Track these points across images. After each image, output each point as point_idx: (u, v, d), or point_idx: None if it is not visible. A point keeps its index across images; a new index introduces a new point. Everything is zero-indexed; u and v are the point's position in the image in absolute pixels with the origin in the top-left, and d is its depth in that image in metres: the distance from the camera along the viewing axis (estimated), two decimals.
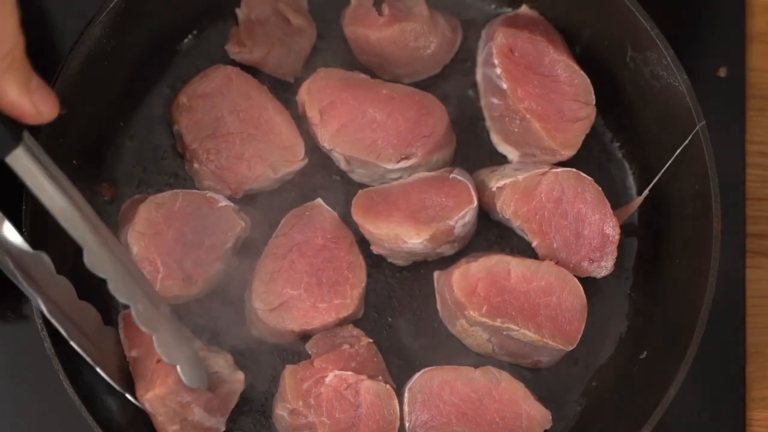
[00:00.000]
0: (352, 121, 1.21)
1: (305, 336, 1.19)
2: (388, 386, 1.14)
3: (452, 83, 1.29)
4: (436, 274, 1.22)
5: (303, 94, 1.22)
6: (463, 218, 1.18)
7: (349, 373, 1.13)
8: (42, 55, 0.92)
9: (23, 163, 0.92)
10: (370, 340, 1.17)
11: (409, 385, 1.16)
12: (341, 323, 1.19)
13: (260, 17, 1.26)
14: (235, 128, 1.22)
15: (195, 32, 1.28)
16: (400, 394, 1.16)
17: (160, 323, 1.05)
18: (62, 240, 1.17)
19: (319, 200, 1.21)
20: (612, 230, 1.18)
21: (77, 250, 1.19)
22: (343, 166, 1.23)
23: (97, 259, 1.00)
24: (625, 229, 1.22)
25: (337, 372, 1.13)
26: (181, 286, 1.17)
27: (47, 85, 0.91)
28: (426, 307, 1.24)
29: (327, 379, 1.13)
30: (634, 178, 1.28)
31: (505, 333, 1.16)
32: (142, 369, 1.12)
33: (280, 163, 1.22)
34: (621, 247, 1.20)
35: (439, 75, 1.29)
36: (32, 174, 0.93)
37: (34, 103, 0.89)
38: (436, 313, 1.23)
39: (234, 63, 1.25)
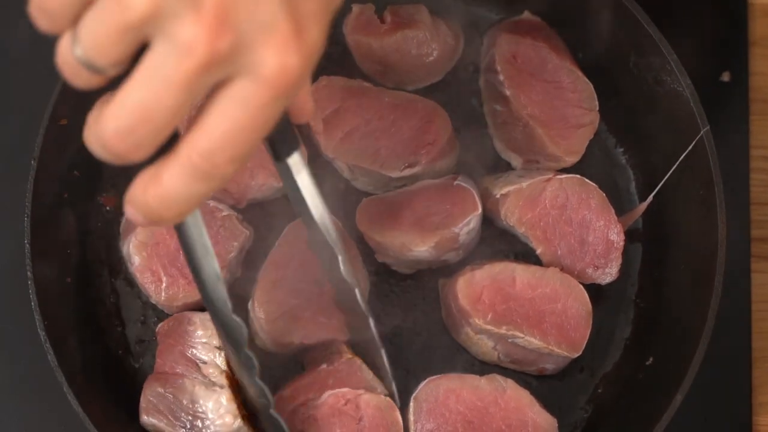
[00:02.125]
0: (356, 130, 1.20)
1: (307, 348, 1.19)
2: (388, 398, 1.14)
3: (455, 90, 1.28)
4: (440, 282, 1.22)
5: None
6: (468, 225, 1.17)
7: (345, 389, 1.13)
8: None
9: (299, 166, 0.92)
10: (350, 356, 1.16)
11: (414, 394, 1.15)
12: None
13: None
14: None
15: None
16: (405, 404, 1.16)
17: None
18: (64, 249, 1.18)
19: None
20: (616, 236, 1.18)
21: (79, 261, 1.20)
22: (346, 174, 1.23)
23: (348, 268, 1.03)
24: (630, 235, 1.22)
25: (331, 391, 1.12)
26: (186, 292, 1.17)
27: None
28: (430, 316, 1.23)
29: (320, 400, 1.12)
30: (638, 184, 1.27)
31: (510, 340, 1.16)
32: None
33: None
34: (626, 253, 1.20)
35: (442, 82, 1.28)
36: (304, 179, 0.94)
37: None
38: (441, 321, 1.23)
39: None
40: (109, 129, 0.64)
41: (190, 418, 1.10)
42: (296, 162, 0.92)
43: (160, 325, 1.16)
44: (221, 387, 1.10)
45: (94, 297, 1.21)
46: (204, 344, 1.13)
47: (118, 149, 0.65)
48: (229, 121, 0.65)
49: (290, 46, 0.64)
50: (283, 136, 0.88)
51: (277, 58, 0.64)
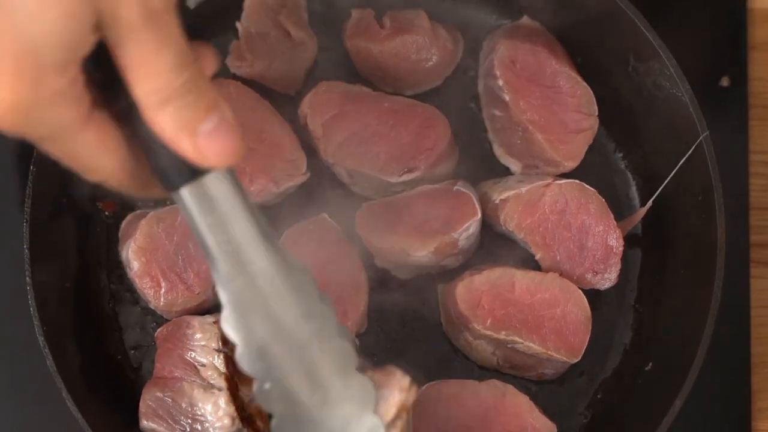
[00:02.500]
0: (355, 135, 1.20)
1: None
2: None
3: (454, 95, 1.28)
4: (439, 287, 1.22)
5: (305, 108, 1.21)
6: (467, 230, 1.17)
7: None
8: None
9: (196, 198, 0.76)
10: None
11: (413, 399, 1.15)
12: None
13: (261, 31, 1.25)
14: None
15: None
16: None
17: None
18: (63, 254, 1.18)
19: (324, 215, 1.20)
20: (615, 242, 1.18)
21: (78, 266, 1.20)
22: (345, 179, 1.23)
23: None
24: (629, 240, 1.22)
25: None
26: (185, 297, 1.17)
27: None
28: (429, 321, 1.23)
29: None
30: (637, 189, 1.27)
31: (509, 346, 1.16)
32: None
33: (282, 177, 1.21)
34: (625, 258, 1.20)
35: (441, 87, 1.28)
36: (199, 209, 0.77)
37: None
38: (440, 326, 1.23)
39: (235, 77, 1.25)
40: None
41: (189, 421, 1.10)
42: (190, 194, 0.76)
43: (159, 330, 1.16)
44: (219, 389, 1.10)
45: (93, 302, 1.21)
46: (203, 347, 1.13)
47: None
48: None
49: None
50: (169, 166, 0.75)
51: None
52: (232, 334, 0.81)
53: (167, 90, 0.68)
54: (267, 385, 0.83)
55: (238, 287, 0.80)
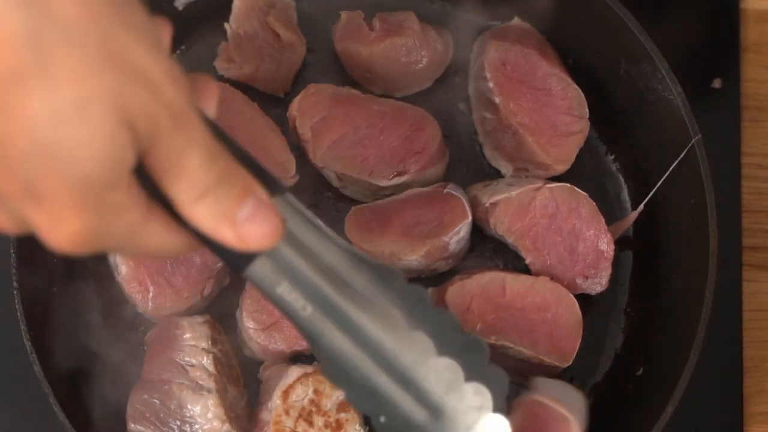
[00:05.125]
0: (344, 138, 1.20)
1: (297, 356, 1.18)
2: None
3: (444, 97, 1.28)
4: (429, 291, 1.21)
5: (294, 111, 1.21)
6: (457, 234, 1.17)
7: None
8: None
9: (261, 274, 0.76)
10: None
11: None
12: None
13: (249, 32, 1.25)
14: None
15: (182, 48, 1.27)
16: None
17: None
18: (50, 258, 1.17)
19: None
20: (606, 246, 1.18)
21: (65, 270, 1.19)
22: (335, 182, 1.22)
23: None
24: (621, 243, 1.22)
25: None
26: (173, 301, 1.16)
27: None
28: None
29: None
30: (629, 192, 1.27)
31: (500, 351, 1.15)
32: None
33: None
34: (616, 261, 1.20)
35: (431, 89, 1.28)
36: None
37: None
38: None
39: (223, 79, 1.24)
40: None
41: (178, 423, 1.09)
42: (255, 271, 0.76)
43: (148, 334, 1.16)
44: (209, 391, 1.10)
45: (81, 307, 1.21)
46: (192, 347, 1.12)
47: None
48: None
49: (50, 230, 0.66)
50: (226, 253, 0.75)
51: (43, 233, 0.66)
52: (334, 384, 0.82)
53: (201, 185, 0.69)
54: (382, 419, 0.82)
55: (326, 342, 0.79)
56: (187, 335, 1.13)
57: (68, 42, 0.61)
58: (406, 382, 0.81)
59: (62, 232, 0.65)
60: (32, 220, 0.65)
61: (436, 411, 0.82)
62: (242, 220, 0.71)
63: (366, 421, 1.12)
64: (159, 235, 0.71)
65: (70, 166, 0.63)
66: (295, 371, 1.12)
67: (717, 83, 1.33)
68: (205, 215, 0.70)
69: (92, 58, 0.61)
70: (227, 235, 0.71)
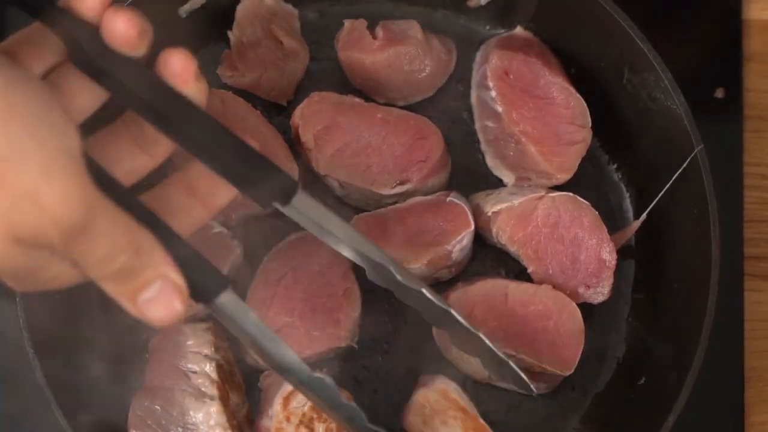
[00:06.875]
0: (347, 147, 1.20)
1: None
2: None
3: (447, 106, 1.28)
4: None
5: (297, 119, 1.21)
6: (460, 242, 1.17)
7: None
8: None
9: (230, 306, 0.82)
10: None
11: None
12: (335, 351, 1.18)
13: (252, 40, 1.25)
14: None
15: None
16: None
17: None
18: None
19: None
20: (609, 255, 1.18)
21: None
22: (338, 191, 1.22)
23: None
24: (623, 253, 1.22)
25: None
26: None
27: None
28: (421, 333, 1.22)
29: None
30: (631, 201, 1.27)
31: None
32: None
33: None
34: (619, 270, 1.20)
35: (434, 97, 1.28)
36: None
37: None
38: (432, 338, 1.22)
39: (226, 87, 1.24)
40: None
41: (180, 430, 1.09)
42: (226, 301, 0.81)
43: (152, 341, 1.16)
44: (211, 398, 1.10)
45: (83, 312, 1.20)
46: (194, 353, 1.12)
47: None
48: None
49: None
50: (201, 277, 0.80)
51: None
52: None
53: (104, 273, 0.73)
54: None
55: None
56: (190, 342, 1.13)
57: None
58: None
59: None
60: None
61: None
62: (143, 302, 0.75)
63: None
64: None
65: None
66: None
67: (720, 93, 1.33)
68: (108, 288, 0.74)
69: None
70: (128, 306, 0.75)
